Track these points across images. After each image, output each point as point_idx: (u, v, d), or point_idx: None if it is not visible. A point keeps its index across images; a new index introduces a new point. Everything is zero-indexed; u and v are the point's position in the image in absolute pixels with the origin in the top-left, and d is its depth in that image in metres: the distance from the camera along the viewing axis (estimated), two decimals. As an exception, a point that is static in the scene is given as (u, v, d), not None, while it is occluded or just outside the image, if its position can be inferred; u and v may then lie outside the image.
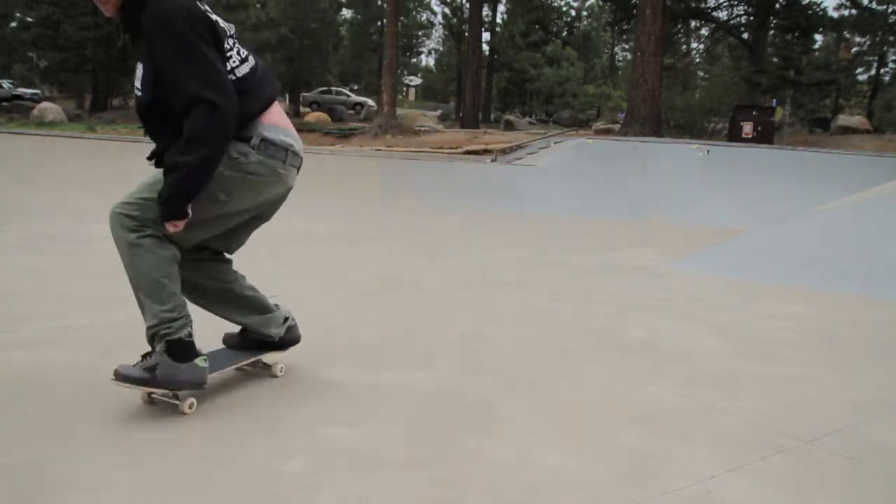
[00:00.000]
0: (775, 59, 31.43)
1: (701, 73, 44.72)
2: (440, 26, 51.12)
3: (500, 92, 46.51)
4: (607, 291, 5.67)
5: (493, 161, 15.85)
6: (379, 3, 42.57)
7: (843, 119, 28.14)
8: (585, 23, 52.04)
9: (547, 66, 41.30)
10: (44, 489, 2.15)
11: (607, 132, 22.82)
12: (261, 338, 3.12)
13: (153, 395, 2.77)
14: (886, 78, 38.06)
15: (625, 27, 35.74)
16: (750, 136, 19.25)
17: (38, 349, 3.48)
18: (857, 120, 27.76)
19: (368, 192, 12.60)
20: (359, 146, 19.20)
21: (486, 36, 40.34)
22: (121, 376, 2.62)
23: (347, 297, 5.08)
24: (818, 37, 36.86)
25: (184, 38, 2.26)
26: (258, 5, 31.68)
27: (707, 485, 2.36)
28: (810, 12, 29.78)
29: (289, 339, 3.22)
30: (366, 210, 11.11)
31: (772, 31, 32.32)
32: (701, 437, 2.76)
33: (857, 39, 37.85)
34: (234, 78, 2.47)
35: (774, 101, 24.36)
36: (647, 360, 3.80)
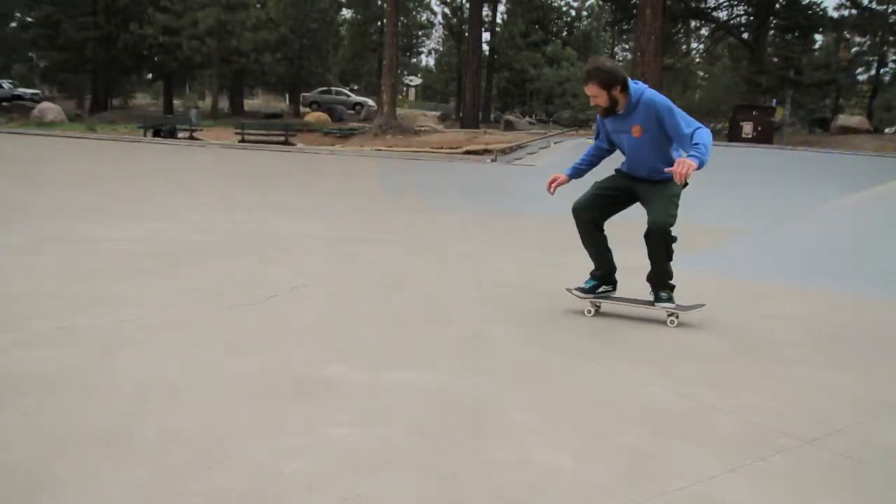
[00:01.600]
0: (775, 59, 31.40)
1: (701, 73, 44.76)
2: (440, 26, 51.11)
3: (500, 92, 46.52)
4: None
5: (493, 161, 15.85)
6: (379, 3, 42.57)
7: (843, 119, 28.16)
8: (585, 23, 52.05)
9: (547, 66, 41.30)
10: (44, 489, 2.15)
11: (607, 132, 22.77)
12: None
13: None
14: (886, 78, 38.02)
15: (625, 27, 35.78)
16: (750, 136, 19.26)
17: (38, 349, 3.48)
18: (857, 120, 27.78)
19: (368, 192, 12.59)
20: (359, 146, 19.21)
21: (486, 36, 40.38)
22: None
23: (347, 297, 5.08)
24: (818, 37, 36.83)
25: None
26: (258, 5, 31.69)
27: (707, 485, 2.35)
28: (810, 12, 29.79)
29: None
30: (365, 210, 11.10)
31: (772, 31, 32.32)
32: (701, 437, 2.75)
33: (857, 39, 37.81)
34: None
35: (774, 101, 24.38)
36: (647, 360, 3.80)
